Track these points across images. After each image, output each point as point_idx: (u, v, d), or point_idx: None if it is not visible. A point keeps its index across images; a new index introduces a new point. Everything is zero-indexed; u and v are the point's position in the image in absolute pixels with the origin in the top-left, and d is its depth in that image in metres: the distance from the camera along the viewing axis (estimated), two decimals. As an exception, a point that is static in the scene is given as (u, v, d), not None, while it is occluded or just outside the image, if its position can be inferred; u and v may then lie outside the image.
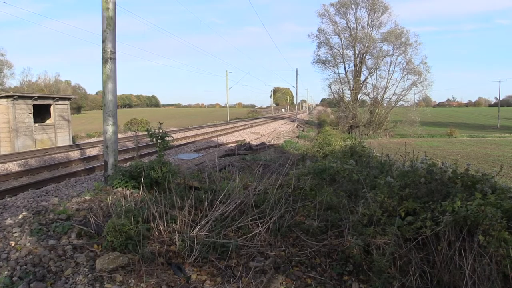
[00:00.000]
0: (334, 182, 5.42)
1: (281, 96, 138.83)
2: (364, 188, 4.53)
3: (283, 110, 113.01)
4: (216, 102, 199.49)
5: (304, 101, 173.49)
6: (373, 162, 6.86)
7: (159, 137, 5.44)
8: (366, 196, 4.27)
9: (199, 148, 15.81)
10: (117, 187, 5.20)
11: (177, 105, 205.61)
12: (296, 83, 52.00)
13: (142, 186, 4.53)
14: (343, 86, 40.32)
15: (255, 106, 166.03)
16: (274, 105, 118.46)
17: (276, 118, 54.08)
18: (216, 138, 19.91)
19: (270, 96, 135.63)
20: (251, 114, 68.22)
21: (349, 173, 5.44)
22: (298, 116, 56.29)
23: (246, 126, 32.48)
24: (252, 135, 24.01)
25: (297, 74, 51.48)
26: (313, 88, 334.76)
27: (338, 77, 40.65)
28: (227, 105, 51.52)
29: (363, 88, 39.66)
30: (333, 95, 42.31)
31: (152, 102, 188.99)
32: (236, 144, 16.36)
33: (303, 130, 31.57)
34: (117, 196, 4.67)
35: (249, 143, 16.30)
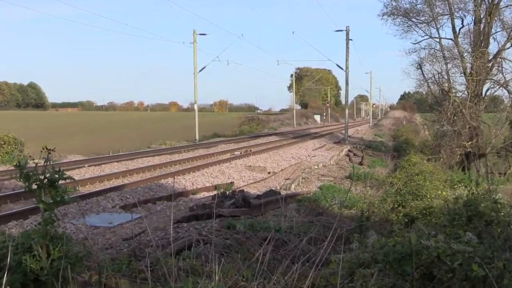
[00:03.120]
0: (430, 283, 5.46)
1: (312, 87, 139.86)
2: (498, 298, 4.43)
3: (317, 118, 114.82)
4: (171, 101, 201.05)
5: (363, 98, 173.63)
6: (518, 237, 6.85)
7: (45, 179, 5.47)
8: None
9: (133, 203, 15.79)
10: None
11: (85, 106, 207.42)
12: (346, 60, 52.41)
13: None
14: (449, 65, 40.48)
15: (257, 109, 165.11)
16: (298, 107, 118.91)
17: (301, 136, 54.77)
18: (170, 180, 20.07)
19: (289, 89, 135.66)
20: (247, 127, 69.46)
21: (465, 262, 5.47)
22: (350, 132, 56.60)
23: (237, 153, 32.65)
24: (249, 173, 24.24)
25: (348, 39, 52.32)
26: (383, 72, 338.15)
27: (437, 46, 41.12)
28: (196, 108, 52.05)
29: (493, 70, 39.87)
30: (428, 86, 42.60)
31: (29, 99, 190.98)
32: (215, 193, 16.53)
33: (361, 163, 31.85)
34: None
35: (242, 191, 16.35)
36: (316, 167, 27.47)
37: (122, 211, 15.11)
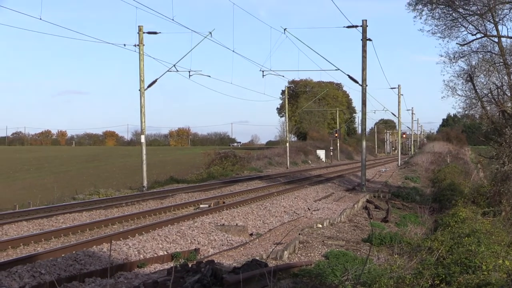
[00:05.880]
0: None
1: (313, 109, 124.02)
2: None
3: (320, 154, 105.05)
4: (106, 130, 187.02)
5: (387, 125, 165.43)
6: None
7: None
8: None
9: (50, 281, 14.00)
10: None
11: None
12: (363, 69, 43.61)
13: None
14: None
15: (234, 142, 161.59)
16: (293, 139, 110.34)
17: (298, 181, 51.16)
18: (105, 247, 18.71)
19: (280, 112, 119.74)
20: (219, 168, 63.40)
21: None
22: (369, 175, 54.03)
23: (203, 206, 30.37)
24: (222, 235, 22.28)
25: (365, 38, 43.31)
26: (417, 87, 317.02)
27: (496, 49, 36.18)
28: (143, 140, 43.64)
29: None
30: (482, 107, 37.66)
31: None
32: (173, 266, 15.94)
33: (385, 219, 28.95)
34: None
35: (211, 262, 15.72)
36: (319, 226, 24.46)
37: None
